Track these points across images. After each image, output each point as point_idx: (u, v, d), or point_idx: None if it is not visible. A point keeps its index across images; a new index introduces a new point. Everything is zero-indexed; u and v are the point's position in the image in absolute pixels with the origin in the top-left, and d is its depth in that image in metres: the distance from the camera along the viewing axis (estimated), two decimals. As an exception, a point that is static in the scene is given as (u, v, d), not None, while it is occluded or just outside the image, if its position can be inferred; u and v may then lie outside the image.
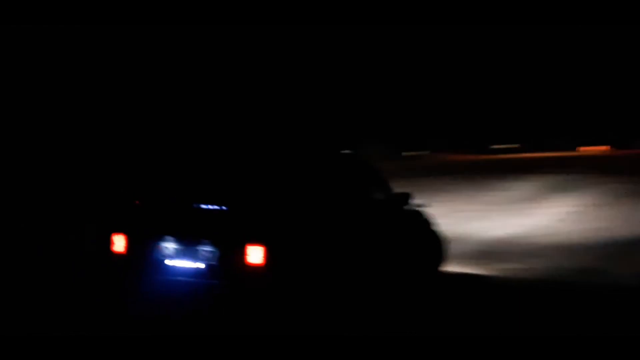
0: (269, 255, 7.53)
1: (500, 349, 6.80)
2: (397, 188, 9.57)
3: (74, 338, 6.79)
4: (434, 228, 9.86)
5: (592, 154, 31.20)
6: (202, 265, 7.65)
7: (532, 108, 35.11)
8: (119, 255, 7.84)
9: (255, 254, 7.56)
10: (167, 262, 7.76)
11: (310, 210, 8.31)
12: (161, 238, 7.76)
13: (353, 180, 9.02)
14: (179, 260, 7.75)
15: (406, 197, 9.35)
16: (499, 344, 6.90)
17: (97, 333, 6.93)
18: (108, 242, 7.90)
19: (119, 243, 7.84)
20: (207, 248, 7.64)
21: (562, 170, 23.52)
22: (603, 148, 33.10)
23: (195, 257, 7.67)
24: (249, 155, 8.91)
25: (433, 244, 9.86)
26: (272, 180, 8.38)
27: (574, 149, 33.33)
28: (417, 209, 9.66)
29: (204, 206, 7.95)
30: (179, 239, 7.72)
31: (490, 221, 13.95)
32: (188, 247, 7.68)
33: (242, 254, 7.58)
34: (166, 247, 7.75)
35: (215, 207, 7.92)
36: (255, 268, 7.56)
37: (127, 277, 7.81)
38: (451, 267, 10.24)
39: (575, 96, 34.67)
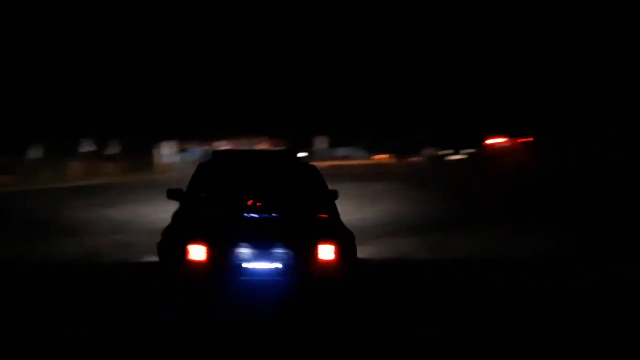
0: (338, 251, 8.74)
1: (501, 349, 7.33)
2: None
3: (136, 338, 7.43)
4: None
5: (381, 162, 36.81)
6: (279, 266, 8.70)
7: (334, 119, 37.74)
8: (198, 263, 8.66)
9: (327, 251, 8.76)
10: (245, 265, 8.71)
11: (334, 208, 9.62)
12: (237, 245, 8.71)
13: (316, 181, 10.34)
14: (256, 263, 8.74)
15: (335, 193, 10.50)
16: (500, 344, 7.45)
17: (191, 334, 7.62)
18: (183, 252, 8.67)
19: (198, 252, 8.67)
20: (282, 250, 8.71)
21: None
22: (387, 156, 38.54)
23: (271, 258, 8.72)
24: (266, 165, 10.23)
25: None
26: (301, 187, 9.65)
27: (369, 158, 38.37)
28: None
29: (257, 215, 9.00)
30: (254, 245, 8.72)
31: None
32: (263, 251, 8.71)
33: (315, 252, 8.72)
34: (242, 253, 8.72)
35: (273, 215, 8.99)
36: (328, 263, 8.74)
37: (211, 282, 8.63)
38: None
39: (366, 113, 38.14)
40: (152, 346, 7.23)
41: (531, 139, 28.62)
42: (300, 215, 9.37)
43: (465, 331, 7.82)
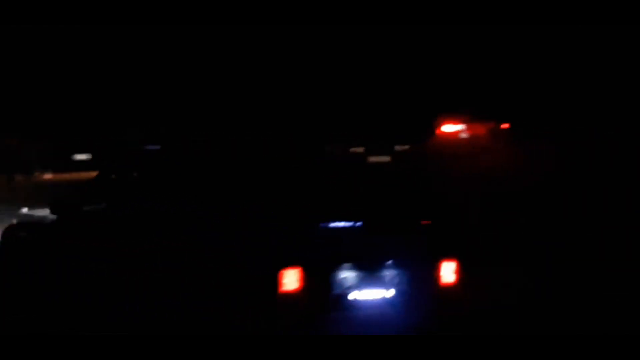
0: (461, 270, 7.12)
1: (499, 349, 7.26)
2: None
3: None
4: None
5: None
6: (389, 293, 6.74)
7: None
8: (291, 296, 6.48)
9: (450, 272, 7.47)
10: (351, 295, 6.71)
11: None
12: (339, 267, 6.63)
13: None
14: (361, 291, 6.81)
15: None
16: (500, 344, 7.34)
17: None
18: (275, 282, 6.45)
19: (292, 279, 6.48)
20: (393, 271, 6.74)
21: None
22: None
23: (380, 284, 6.83)
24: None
25: None
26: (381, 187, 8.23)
27: None
28: None
29: (338, 224, 7.35)
30: (359, 265, 6.71)
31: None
32: (371, 274, 6.77)
33: (436, 273, 7.40)
34: (345, 278, 6.66)
35: (356, 223, 7.17)
36: (451, 288, 7.14)
37: (308, 322, 6.51)
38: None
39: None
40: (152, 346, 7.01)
41: (507, 125, 18.08)
42: (395, 222, 7.66)
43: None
